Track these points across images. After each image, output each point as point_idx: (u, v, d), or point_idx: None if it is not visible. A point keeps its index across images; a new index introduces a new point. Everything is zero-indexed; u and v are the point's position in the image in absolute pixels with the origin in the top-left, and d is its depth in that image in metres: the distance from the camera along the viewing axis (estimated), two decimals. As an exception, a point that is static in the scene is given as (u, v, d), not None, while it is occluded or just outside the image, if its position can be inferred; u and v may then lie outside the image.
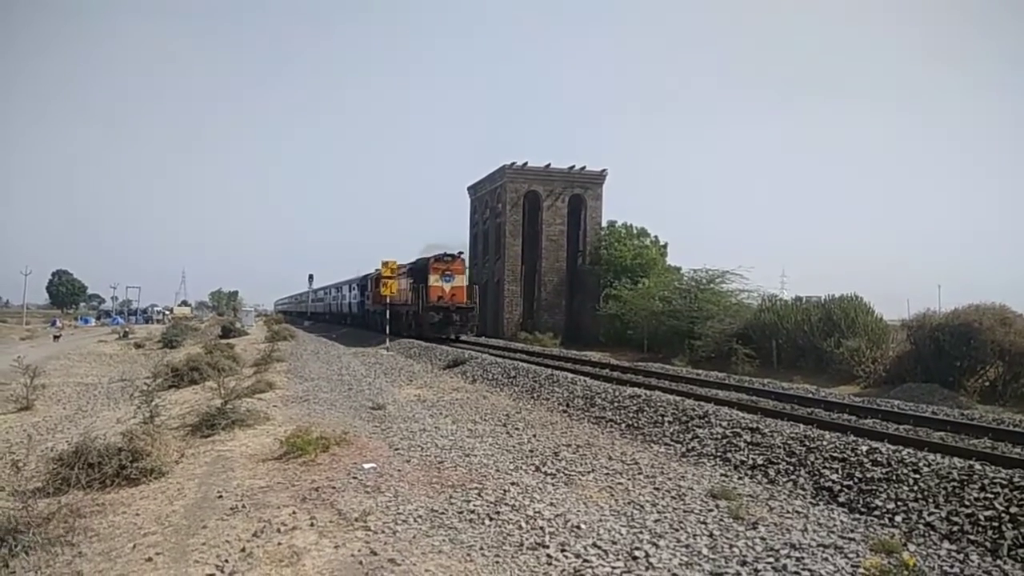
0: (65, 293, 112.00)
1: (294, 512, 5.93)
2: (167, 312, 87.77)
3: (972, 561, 5.15)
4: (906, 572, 4.55)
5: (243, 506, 6.18)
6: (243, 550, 5.06)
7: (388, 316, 29.91)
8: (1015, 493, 5.89)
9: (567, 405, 12.26)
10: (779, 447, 8.10)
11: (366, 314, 40.10)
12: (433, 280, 28.29)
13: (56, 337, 43.34)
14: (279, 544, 5.15)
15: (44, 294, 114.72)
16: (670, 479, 7.42)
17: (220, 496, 6.59)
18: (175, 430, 10.04)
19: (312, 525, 5.59)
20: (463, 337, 28.94)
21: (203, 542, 5.32)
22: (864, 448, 7.45)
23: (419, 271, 29.96)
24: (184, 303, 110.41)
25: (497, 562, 4.95)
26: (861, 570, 4.81)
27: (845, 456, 7.39)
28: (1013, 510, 5.66)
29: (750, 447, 8.36)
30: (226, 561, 4.89)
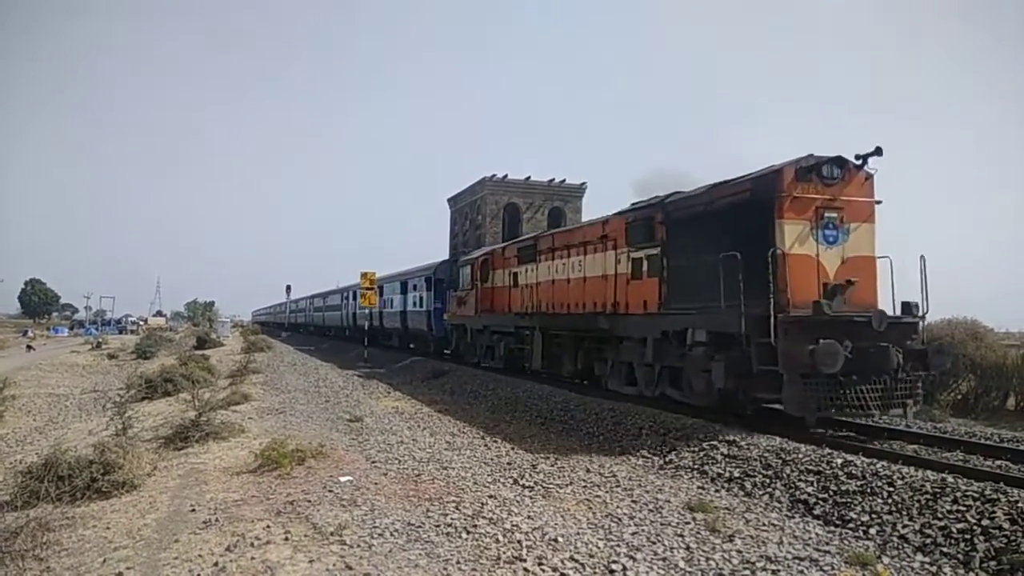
0: (37, 302, 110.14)
1: (268, 526, 5.86)
2: (141, 322, 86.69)
3: (945, 573, 5.20)
4: (880, 584, 4.59)
5: (216, 520, 6.10)
6: (216, 565, 4.99)
7: (368, 327, 28.25)
8: (987, 506, 5.96)
9: (546, 418, 12.25)
10: (755, 460, 8.14)
11: (455, 333, 22.08)
12: (793, 237, 9.63)
13: (29, 347, 42.66)
14: (252, 559, 5.07)
15: (16, 303, 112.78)
16: (647, 492, 7.43)
17: (193, 510, 6.50)
18: (148, 442, 9.90)
19: (287, 539, 5.51)
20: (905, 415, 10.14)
21: (175, 556, 5.24)
22: (839, 461, 7.51)
23: (708, 215, 10.94)
24: (159, 313, 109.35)
25: (474, 576, 4.92)
26: (836, 583, 4.84)
27: (820, 469, 7.45)
28: (985, 523, 5.73)
29: (727, 460, 8.40)
30: (198, 576, 4.82)
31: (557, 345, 15.30)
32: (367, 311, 32.34)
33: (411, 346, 28.76)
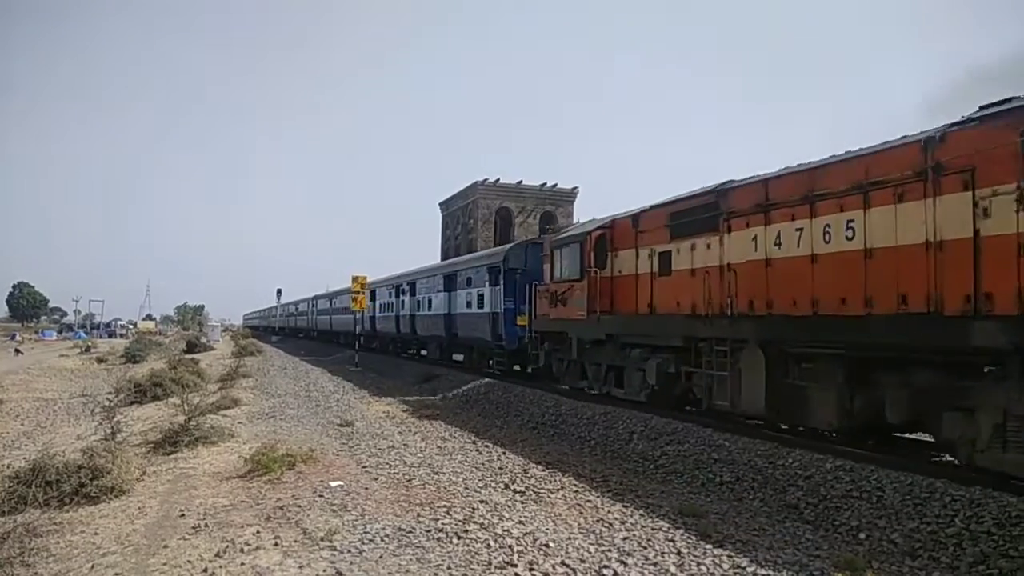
0: (26, 306, 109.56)
1: (258, 531, 5.83)
2: (131, 326, 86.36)
3: (933, 578, 5.23)
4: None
5: (206, 525, 6.07)
6: (205, 570, 4.97)
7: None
8: (975, 510, 6.00)
9: (537, 422, 12.24)
10: (746, 464, 8.16)
11: (547, 343, 15.07)
12: None
13: (17, 351, 42.42)
14: (242, 564, 5.05)
15: (4, 307, 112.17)
16: (639, 496, 7.43)
17: (182, 515, 6.47)
18: (137, 447, 9.85)
19: (276, 545, 5.49)
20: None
21: (164, 562, 5.21)
22: (829, 465, 7.53)
23: None
24: (149, 317, 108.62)
25: (465, 581, 4.91)
26: (826, 587, 4.85)
27: (810, 473, 7.47)
28: (973, 527, 5.76)
29: (718, 464, 8.41)
30: (187, 582, 4.80)
31: (802, 374, 8.82)
32: (393, 315, 27.31)
33: (453, 358, 22.48)
